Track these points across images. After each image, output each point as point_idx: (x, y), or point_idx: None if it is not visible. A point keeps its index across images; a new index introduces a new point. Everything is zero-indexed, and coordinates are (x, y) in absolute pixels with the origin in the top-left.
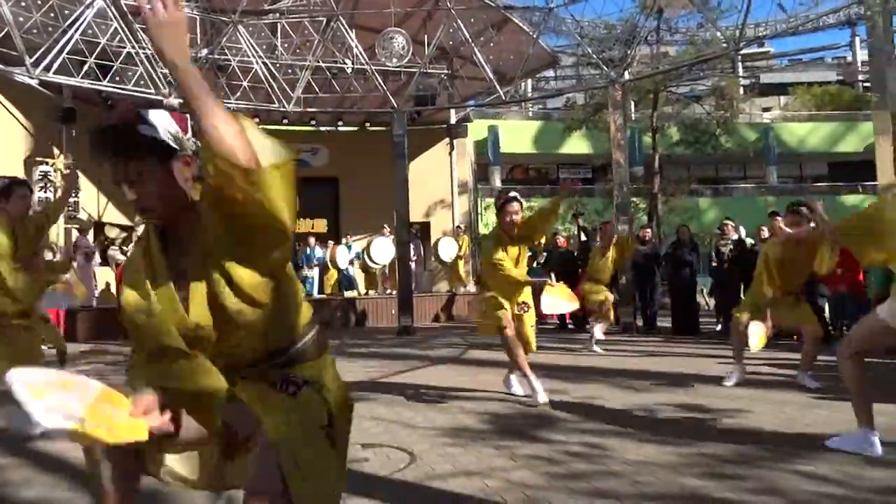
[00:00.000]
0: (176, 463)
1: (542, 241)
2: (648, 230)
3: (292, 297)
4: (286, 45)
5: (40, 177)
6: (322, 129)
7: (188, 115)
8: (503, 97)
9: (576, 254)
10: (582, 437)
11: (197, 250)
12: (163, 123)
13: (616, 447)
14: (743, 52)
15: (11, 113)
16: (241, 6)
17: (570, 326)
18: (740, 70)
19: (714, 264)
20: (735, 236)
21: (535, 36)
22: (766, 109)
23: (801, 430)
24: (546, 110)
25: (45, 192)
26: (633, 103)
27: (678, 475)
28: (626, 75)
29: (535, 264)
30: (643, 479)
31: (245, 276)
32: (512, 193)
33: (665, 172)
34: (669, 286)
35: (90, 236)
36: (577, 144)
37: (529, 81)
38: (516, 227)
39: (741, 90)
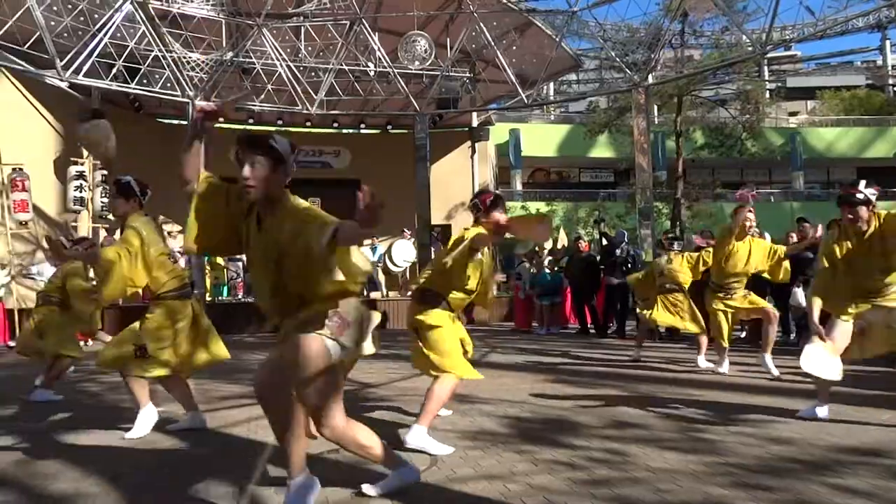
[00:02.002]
0: None
1: (563, 244)
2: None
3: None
4: (310, 48)
5: (76, 175)
6: (344, 131)
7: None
8: (525, 100)
9: (598, 258)
10: (603, 442)
11: (276, 237)
12: (283, 144)
13: (638, 454)
14: (769, 55)
15: (42, 115)
16: (265, 9)
17: (591, 332)
18: (766, 74)
19: None
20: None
21: (557, 39)
22: (793, 114)
23: (829, 439)
24: (568, 114)
25: (81, 192)
26: (656, 107)
27: (702, 483)
28: (650, 79)
29: (556, 269)
30: (666, 486)
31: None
32: (498, 192)
33: (689, 177)
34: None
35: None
36: (599, 148)
37: (552, 85)
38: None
39: (767, 94)
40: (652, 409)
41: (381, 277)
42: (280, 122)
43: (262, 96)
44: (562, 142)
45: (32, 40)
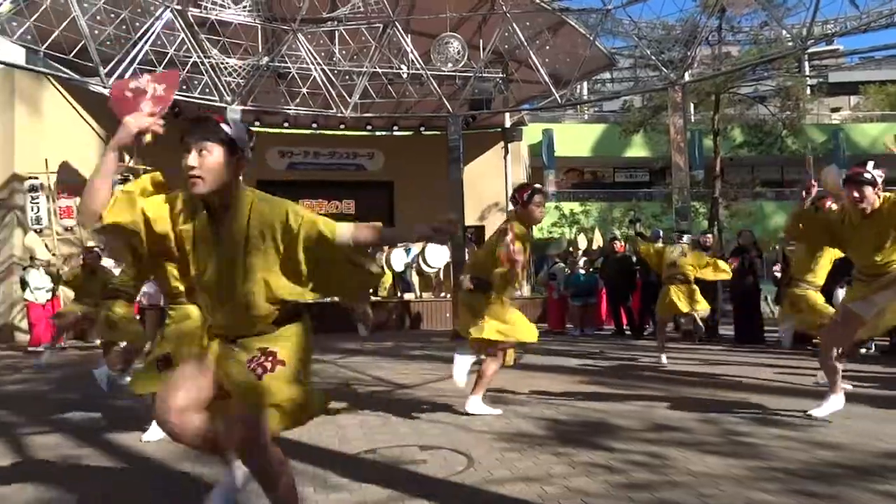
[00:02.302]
0: None
1: (598, 245)
2: (709, 235)
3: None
4: (344, 52)
5: (121, 180)
6: (377, 133)
7: (253, 131)
8: (559, 100)
9: (634, 259)
10: (642, 445)
11: (239, 235)
12: (238, 129)
13: (678, 457)
14: (810, 50)
15: (86, 121)
16: (300, 15)
17: (626, 333)
18: (807, 69)
19: (779, 272)
20: None
21: (591, 38)
22: (835, 110)
23: (876, 445)
24: (602, 113)
25: None
26: (692, 105)
27: (745, 488)
28: (687, 76)
29: (590, 269)
30: (708, 491)
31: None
32: (537, 185)
33: (727, 176)
34: (731, 293)
35: None
36: (633, 147)
37: (585, 84)
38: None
39: (808, 90)
40: (691, 411)
41: (415, 279)
42: (315, 125)
43: (298, 100)
44: (596, 141)
45: (77, 49)
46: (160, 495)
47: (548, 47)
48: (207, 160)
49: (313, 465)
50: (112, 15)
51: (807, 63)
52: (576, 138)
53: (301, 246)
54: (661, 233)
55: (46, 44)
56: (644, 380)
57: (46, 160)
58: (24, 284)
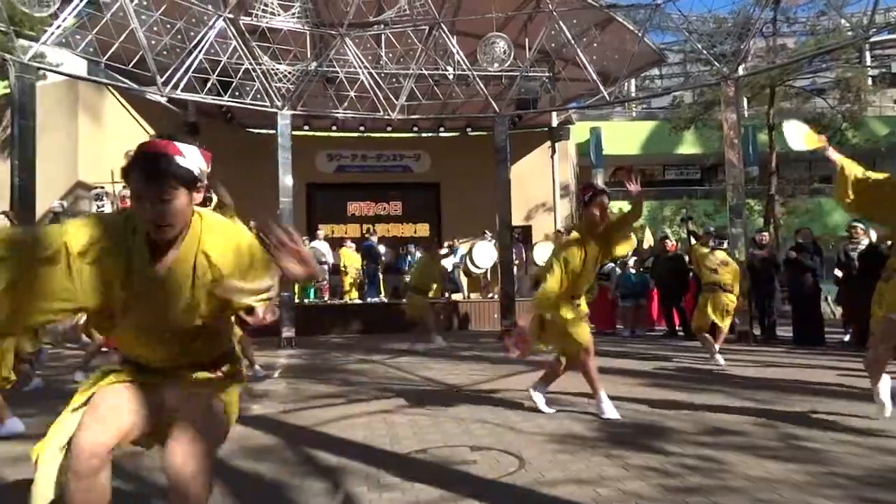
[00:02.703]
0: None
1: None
2: (766, 234)
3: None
4: (390, 55)
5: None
6: (424, 135)
7: (209, 152)
8: (607, 98)
9: (687, 258)
10: (698, 449)
11: (186, 265)
12: (195, 159)
13: (735, 462)
14: (872, 40)
15: (144, 128)
16: (347, 19)
17: (679, 334)
18: (868, 59)
19: (839, 271)
20: (866, 240)
21: (640, 34)
22: None
23: None
24: (651, 110)
25: None
26: (745, 99)
27: (807, 494)
28: (740, 70)
29: (641, 269)
30: (766, 496)
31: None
32: (601, 185)
33: (783, 172)
34: (790, 293)
35: None
36: (684, 144)
37: (633, 81)
38: (603, 225)
39: (869, 81)
40: (748, 414)
41: (463, 279)
42: (362, 128)
43: (346, 104)
44: (645, 139)
45: (136, 59)
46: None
47: (595, 45)
48: (171, 206)
49: (366, 464)
50: (168, 26)
51: (868, 53)
52: (624, 136)
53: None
54: (714, 231)
55: (107, 55)
56: (698, 381)
57: (112, 171)
58: None
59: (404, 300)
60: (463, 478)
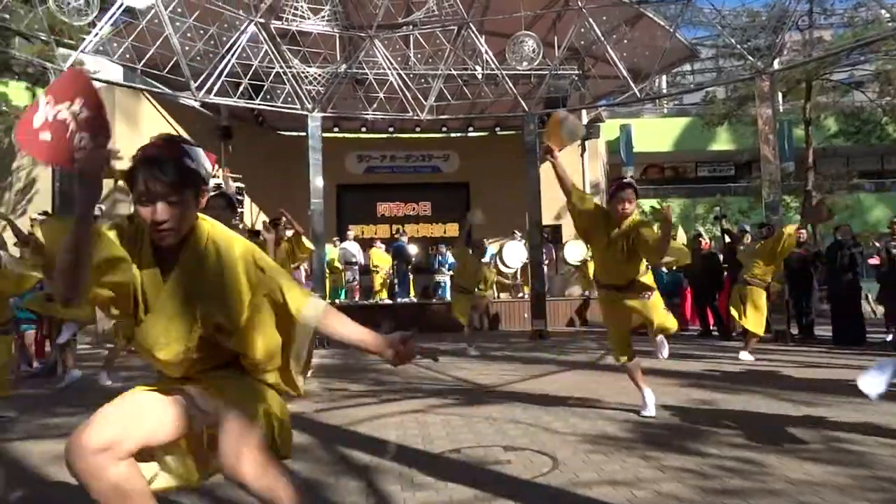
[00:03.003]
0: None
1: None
2: (803, 230)
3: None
4: (419, 56)
5: (214, 187)
6: (452, 135)
7: (213, 155)
8: (638, 94)
9: (721, 257)
10: (735, 451)
11: (194, 273)
12: (202, 160)
13: (775, 464)
14: None
15: (178, 132)
16: (376, 21)
17: (714, 334)
18: None
19: (878, 266)
20: None
21: (671, 30)
22: None
23: None
24: (682, 106)
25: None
26: (780, 94)
27: (850, 498)
28: (776, 65)
29: (674, 267)
30: (808, 499)
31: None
32: (627, 179)
33: (820, 167)
34: (829, 292)
35: None
36: (717, 140)
37: (664, 77)
38: (625, 221)
39: None
40: (788, 416)
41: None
42: (391, 129)
43: (375, 105)
44: (676, 136)
45: (170, 65)
46: None
47: (625, 41)
48: (177, 209)
49: (399, 463)
50: (201, 31)
51: None
52: (655, 133)
53: (252, 299)
54: (749, 228)
55: (143, 62)
56: (734, 382)
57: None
58: None
59: (448, 300)
60: (497, 478)
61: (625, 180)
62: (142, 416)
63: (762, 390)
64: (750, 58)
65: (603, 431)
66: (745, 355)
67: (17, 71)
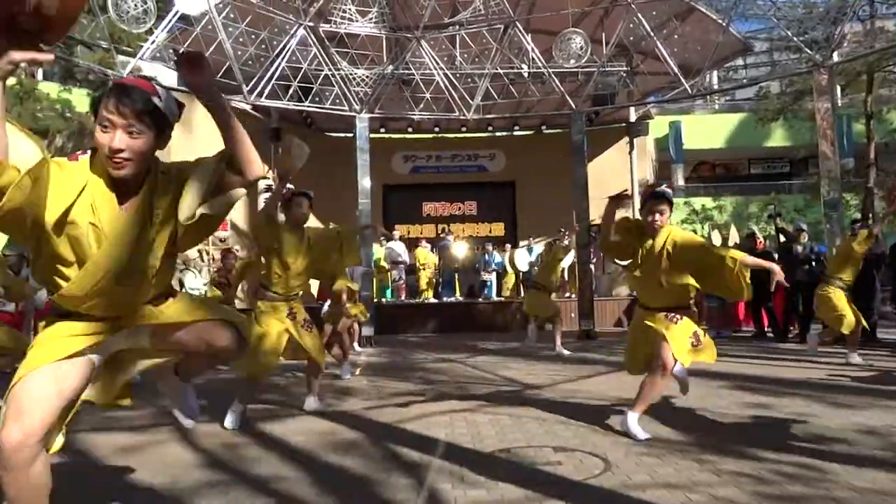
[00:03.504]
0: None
1: (734, 242)
2: (876, 227)
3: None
4: (465, 55)
5: (265, 188)
6: (498, 134)
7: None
8: (689, 90)
9: (776, 257)
10: (794, 456)
11: (146, 208)
12: (169, 101)
13: (838, 471)
14: None
15: None
16: (423, 22)
17: (769, 335)
18: None
19: None
20: None
21: (724, 23)
22: None
23: None
24: (735, 101)
25: None
26: (839, 87)
27: None
28: (835, 57)
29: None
30: None
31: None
32: (660, 188)
33: (882, 163)
34: (893, 293)
35: None
36: (771, 136)
37: (716, 72)
38: (658, 232)
39: None
40: (851, 421)
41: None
42: (437, 129)
43: (421, 105)
44: (728, 132)
45: (223, 69)
46: (328, 479)
47: (676, 36)
48: (136, 142)
49: (449, 461)
50: (252, 36)
51: None
52: (706, 129)
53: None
54: (805, 227)
55: None
56: (790, 386)
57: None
58: (181, 285)
59: (494, 299)
60: (547, 478)
61: (658, 189)
62: (47, 403)
63: (820, 395)
64: (807, 50)
65: (655, 433)
66: (854, 358)
67: (79, 78)
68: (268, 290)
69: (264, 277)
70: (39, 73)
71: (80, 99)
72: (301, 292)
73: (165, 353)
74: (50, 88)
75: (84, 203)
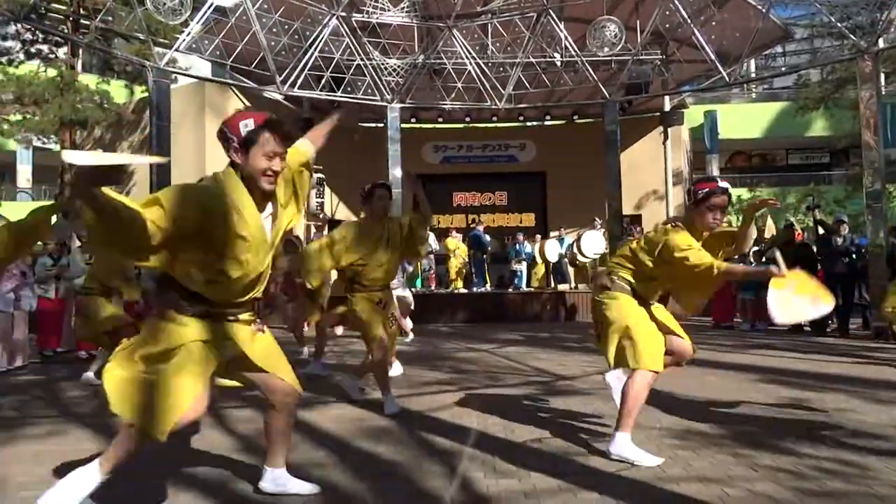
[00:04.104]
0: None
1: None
2: None
3: None
4: (497, 45)
5: (316, 182)
6: (528, 124)
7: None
8: (727, 79)
9: (815, 249)
10: (834, 452)
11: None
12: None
13: (879, 467)
14: None
15: None
16: (455, 11)
17: (806, 329)
18: None
19: None
20: None
21: (763, 9)
22: None
23: None
24: (773, 90)
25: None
26: (883, 75)
27: None
28: (881, 43)
29: (763, 259)
30: None
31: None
32: (723, 184)
33: None
34: None
35: (325, 231)
36: (810, 126)
37: (753, 60)
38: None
39: None
40: (890, 418)
41: (570, 270)
42: (468, 119)
43: (453, 95)
44: (766, 121)
45: (257, 60)
46: (363, 466)
47: (713, 23)
48: (281, 163)
49: (481, 450)
50: (285, 27)
51: None
52: (743, 119)
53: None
54: (846, 219)
55: (232, 57)
56: (828, 381)
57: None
58: None
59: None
60: (579, 469)
61: (721, 185)
62: (205, 392)
63: (859, 390)
64: (851, 36)
65: (689, 427)
66: None
67: (116, 69)
68: (357, 282)
69: (353, 270)
70: (79, 65)
71: (117, 90)
72: (388, 283)
73: (233, 375)
74: (89, 80)
75: (239, 214)
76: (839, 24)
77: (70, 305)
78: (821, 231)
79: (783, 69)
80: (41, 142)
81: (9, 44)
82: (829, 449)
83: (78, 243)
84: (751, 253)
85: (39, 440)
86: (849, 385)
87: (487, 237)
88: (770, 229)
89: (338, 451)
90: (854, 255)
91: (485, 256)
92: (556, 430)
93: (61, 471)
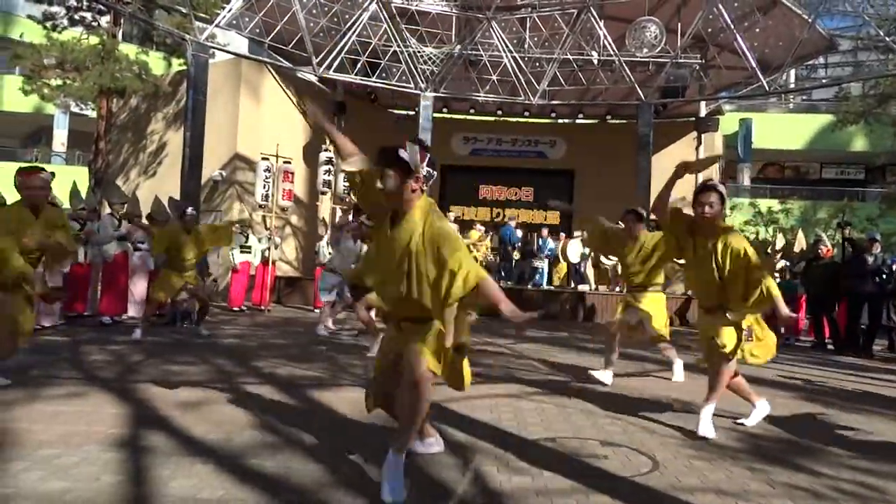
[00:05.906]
0: None
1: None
2: None
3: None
4: (535, 39)
5: (325, 161)
6: (560, 121)
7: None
8: (766, 87)
9: (841, 267)
10: (851, 473)
11: (405, 239)
12: (412, 153)
13: None
14: None
15: (294, 104)
16: (495, 3)
17: (829, 347)
18: None
19: None
20: None
21: (810, 19)
22: None
23: None
24: (811, 101)
25: (329, 175)
26: None
27: None
28: None
29: (786, 276)
30: None
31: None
32: (711, 182)
33: None
34: None
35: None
36: (847, 140)
37: (793, 70)
38: (708, 226)
39: None
40: None
41: (590, 271)
42: (499, 112)
43: (487, 87)
44: (802, 133)
45: (295, 40)
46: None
47: (757, 30)
48: (389, 183)
49: (495, 445)
50: (325, 8)
51: None
52: (778, 129)
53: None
54: (879, 237)
55: (271, 36)
56: (850, 400)
57: (278, 145)
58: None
59: (545, 287)
60: (593, 471)
61: (709, 182)
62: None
63: (880, 410)
64: None
65: (706, 437)
66: None
67: (156, 41)
68: None
69: None
70: (119, 35)
71: (156, 61)
72: None
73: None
74: (129, 50)
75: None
76: (886, 38)
77: (97, 271)
78: (848, 249)
79: (824, 80)
80: (79, 108)
81: (55, 9)
82: (848, 470)
83: (108, 210)
84: (780, 264)
85: (60, 400)
86: (871, 405)
87: (519, 232)
88: (800, 243)
89: (350, 435)
90: (885, 275)
91: (514, 252)
92: (570, 429)
93: (78, 432)
